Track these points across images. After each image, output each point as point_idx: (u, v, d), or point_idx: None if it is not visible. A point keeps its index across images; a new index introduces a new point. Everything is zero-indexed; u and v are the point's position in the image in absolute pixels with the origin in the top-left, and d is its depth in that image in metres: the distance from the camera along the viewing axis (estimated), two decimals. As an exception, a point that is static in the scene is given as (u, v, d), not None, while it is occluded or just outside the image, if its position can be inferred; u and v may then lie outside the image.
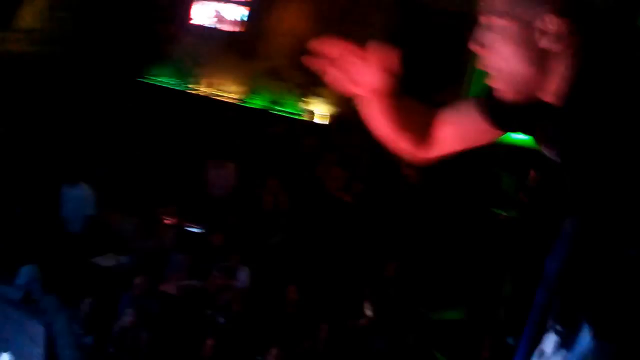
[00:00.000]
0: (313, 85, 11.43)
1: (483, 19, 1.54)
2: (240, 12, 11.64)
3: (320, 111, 11.42)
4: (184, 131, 9.77)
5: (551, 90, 1.52)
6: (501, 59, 1.51)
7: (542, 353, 1.61)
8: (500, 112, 1.69)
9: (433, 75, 11.09)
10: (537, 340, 1.65)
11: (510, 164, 8.82)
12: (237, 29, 11.62)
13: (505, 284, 6.77)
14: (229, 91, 11.48)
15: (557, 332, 1.58)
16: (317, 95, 11.45)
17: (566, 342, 1.55)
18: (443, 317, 7.10)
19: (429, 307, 7.10)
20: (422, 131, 1.85)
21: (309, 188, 8.42)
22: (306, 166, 8.88)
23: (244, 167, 9.15)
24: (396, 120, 1.81)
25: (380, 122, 1.82)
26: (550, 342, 1.60)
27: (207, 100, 11.09)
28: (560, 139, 1.59)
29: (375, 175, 8.74)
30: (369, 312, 6.82)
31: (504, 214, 7.41)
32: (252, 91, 11.44)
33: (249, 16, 11.57)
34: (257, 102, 11.24)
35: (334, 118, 10.72)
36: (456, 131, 1.83)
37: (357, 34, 11.21)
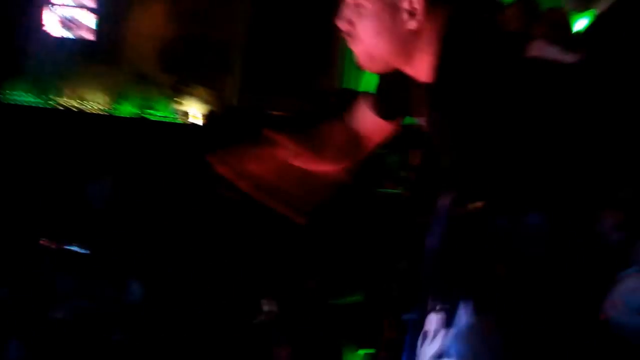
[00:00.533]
0: (183, 85, 11.30)
1: None
2: (95, 18, 11.37)
3: (194, 111, 11.30)
4: (51, 149, 9.41)
5: (422, 69, 1.53)
6: (366, 37, 1.52)
7: (425, 334, 1.58)
8: (384, 103, 1.76)
9: (304, 62, 11.18)
10: (422, 321, 1.62)
11: (392, 142, 8.92)
12: (94, 35, 11.35)
13: (398, 261, 6.86)
14: (94, 101, 11.20)
15: (438, 311, 1.56)
16: (190, 95, 11.32)
17: (447, 321, 1.53)
18: (344, 302, 7.13)
19: (329, 294, 7.11)
20: (340, 151, 1.88)
21: (194, 191, 8.28)
22: (186, 168, 8.71)
23: (122, 178, 8.90)
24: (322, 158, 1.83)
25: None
26: (433, 321, 1.58)
27: (71, 113, 10.78)
28: (431, 117, 1.60)
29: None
30: (267, 307, 6.76)
31: (391, 192, 7.51)
32: (120, 98, 11.20)
33: (107, 20, 11.32)
34: (126, 110, 11.02)
35: (208, 117, 10.60)
36: (363, 135, 1.88)
37: (220, 29, 11.17)
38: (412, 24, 1.49)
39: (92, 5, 11.43)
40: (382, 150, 8.67)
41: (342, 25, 1.56)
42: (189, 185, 8.44)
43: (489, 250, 1.51)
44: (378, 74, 1.63)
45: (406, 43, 1.51)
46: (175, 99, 11.09)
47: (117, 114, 10.97)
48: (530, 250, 1.47)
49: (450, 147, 1.60)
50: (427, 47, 1.51)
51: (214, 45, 11.45)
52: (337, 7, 1.58)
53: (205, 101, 11.35)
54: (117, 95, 11.19)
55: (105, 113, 10.97)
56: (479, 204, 1.55)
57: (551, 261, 1.44)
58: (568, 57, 1.42)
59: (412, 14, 1.48)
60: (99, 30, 11.40)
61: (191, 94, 11.29)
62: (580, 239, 1.43)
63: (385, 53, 1.53)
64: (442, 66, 1.51)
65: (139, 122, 10.67)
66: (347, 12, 1.55)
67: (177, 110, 10.96)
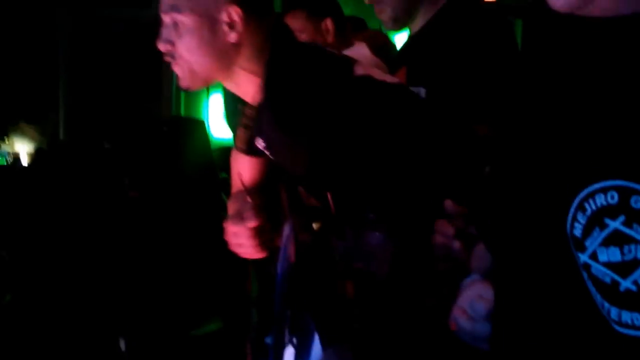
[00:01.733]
0: (10, 123, 10.81)
1: (166, 17, 1.56)
2: None
3: (23, 149, 10.83)
4: None
5: (246, 88, 1.57)
6: (187, 54, 1.55)
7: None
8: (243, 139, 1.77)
9: (132, 91, 10.98)
10: (280, 356, 1.61)
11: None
12: None
13: (252, 283, 6.82)
14: None
15: (293, 345, 1.57)
16: (16, 134, 10.85)
17: (301, 355, 1.53)
18: (203, 332, 7.01)
19: (186, 325, 6.97)
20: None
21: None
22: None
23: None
24: None
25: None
26: (288, 356, 1.58)
27: None
28: (264, 137, 1.63)
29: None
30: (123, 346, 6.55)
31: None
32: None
33: None
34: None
35: (36, 155, 10.20)
36: (247, 175, 1.88)
37: (42, 60, 10.77)
38: (233, 37, 1.52)
39: None
40: (224, 174, 8.66)
41: (162, 46, 1.58)
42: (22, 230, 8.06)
43: (334, 271, 1.53)
44: (197, 90, 1.63)
45: (227, 57, 1.54)
46: (1, 139, 10.60)
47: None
48: (373, 269, 1.50)
49: (287, 167, 1.62)
50: (248, 64, 1.55)
51: (37, 79, 11.06)
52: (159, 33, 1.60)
53: (33, 139, 10.91)
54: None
55: None
56: (318, 225, 1.57)
57: (395, 278, 1.48)
58: (389, 78, 1.47)
59: (231, 26, 1.52)
60: None
61: (18, 133, 10.84)
62: (420, 253, 1.47)
63: (207, 68, 1.55)
64: (269, 87, 1.52)
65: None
66: (166, 32, 1.57)
67: (3, 150, 10.48)
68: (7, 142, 10.71)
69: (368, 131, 1.46)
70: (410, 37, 2.22)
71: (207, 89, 8.18)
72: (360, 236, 1.51)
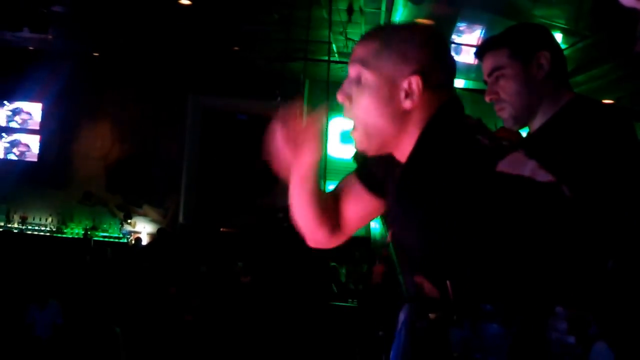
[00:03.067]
0: (131, 204, 11.22)
1: (352, 70, 1.61)
2: (37, 140, 11.36)
3: (144, 230, 11.20)
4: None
5: (405, 153, 1.59)
6: (364, 111, 1.58)
7: None
8: (369, 175, 1.77)
9: (249, 180, 11.27)
10: None
11: (343, 256, 8.98)
12: (38, 157, 11.35)
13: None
14: (42, 223, 11.05)
15: None
16: (139, 214, 11.24)
17: None
18: None
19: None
20: (330, 217, 1.86)
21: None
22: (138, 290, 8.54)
23: (68, 302, 8.67)
24: (316, 205, 1.82)
25: (306, 207, 1.83)
26: None
27: (20, 235, 10.59)
28: (393, 207, 1.65)
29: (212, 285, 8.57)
30: None
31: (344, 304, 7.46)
32: (67, 219, 11.06)
33: (51, 143, 11.33)
34: (74, 231, 10.87)
35: (158, 235, 10.53)
36: (352, 209, 1.85)
37: (167, 149, 11.21)
38: (407, 104, 1.56)
39: (36, 127, 11.44)
40: (334, 263, 8.70)
41: (340, 97, 1.63)
42: (143, 309, 8.26)
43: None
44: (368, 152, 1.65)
45: (398, 122, 1.57)
46: (124, 219, 11.02)
47: (62, 236, 10.82)
48: (491, 359, 1.49)
49: (406, 245, 1.62)
50: (414, 130, 1.58)
51: (161, 165, 11.52)
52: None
53: (153, 220, 11.30)
54: (64, 216, 11.08)
55: (50, 234, 10.82)
56: (437, 314, 1.57)
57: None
58: (541, 176, 1.48)
59: (408, 94, 1.56)
60: (44, 153, 11.40)
61: (139, 213, 11.25)
62: (537, 346, 1.46)
63: (379, 128, 1.58)
64: (412, 158, 1.57)
65: (85, 243, 10.51)
66: (348, 85, 1.62)
67: (127, 230, 10.90)
68: (130, 223, 11.13)
69: (490, 227, 1.47)
70: (529, 135, 2.23)
71: (324, 179, 8.34)
72: (477, 327, 1.51)
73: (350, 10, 7.15)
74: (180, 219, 11.39)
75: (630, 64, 6.19)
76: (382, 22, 7.29)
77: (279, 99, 9.37)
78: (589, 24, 5.77)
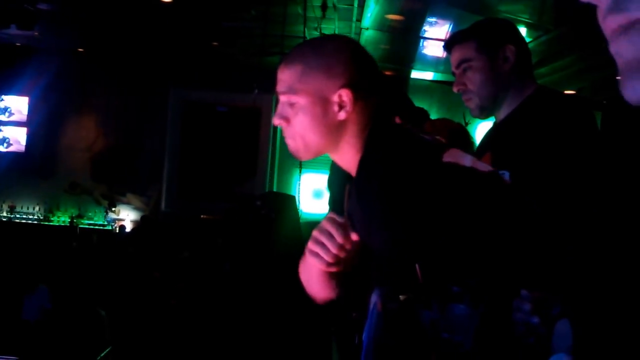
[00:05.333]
0: (115, 193, 11.15)
1: (283, 97, 1.61)
2: (24, 132, 11.28)
3: (128, 218, 11.13)
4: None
5: (348, 160, 1.61)
6: (300, 129, 1.58)
7: None
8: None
9: (230, 168, 11.25)
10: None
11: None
12: (25, 149, 11.25)
13: (333, 354, 6.72)
14: (29, 212, 10.94)
15: None
16: (123, 202, 11.17)
17: None
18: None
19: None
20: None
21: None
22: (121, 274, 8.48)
23: (56, 287, 8.60)
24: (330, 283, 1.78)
25: (319, 286, 1.79)
26: None
27: (8, 224, 10.49)
28: (352, 207, 1.64)
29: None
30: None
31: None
32: (55, 208, 10.96)
33: (38, 135, 11.24)
34: (61, 219, 10.78)
35: (141, 222, 10.47)
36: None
37: (150, 139, 11.15)
38: (342, 115, 1.56)
39: (23, 120, 11.32)
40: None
41: (277, 121, 1.63)
42: (125, 293, 8.20)
43: (421, 341, 1.51)
44: (309, 160, 1.66)
45: (336, 133, 1.58)
46: (109, 207, 10.96)
47: (49, 224, 10.74)
48: (459, 339, 1.48)
49: (369, 243, 1.61)
50: (352, 139, 1.59)
51: (144, 155, 11.45)
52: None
53: (136, 208, 11.24)
54: (51, 205, 10.99)
55: (38, 222, 10.73)
56: (406, 296, 1.57)
57: (480, 350, 1.45)
58: (481, 166, 1.48)
59: (341, 106, 1.56)
60: (31, 144, 11.28)
61: (123, 202, 11.18)
62: (503, 327, 1.45)
63: (317, 143, 1.59)
64: (363, 162, 1.57)
65: (71, 231, 10.44)
66: (282, 109, 1.62)
67: (112, 218, 10.83)
68: (114, 211, 11.06)
69: (452, 215, 1.47)
70: (496, 125, 2.24)
71: (300, 168, 8.33)
72: (445, 307, 1.50)
73: (324, 7, 7.12)
74: (163, 206, 11.34)
75: (591, 57, 6.24)
76: (354, 18, 7.27)
77: (256, 91, 9.34)
78: (552, 18, 5.80)
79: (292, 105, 1.60)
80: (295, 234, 6.46)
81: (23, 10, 8.05)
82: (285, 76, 1.62)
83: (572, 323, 1.18)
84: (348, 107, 1.56)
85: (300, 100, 1.58)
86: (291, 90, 1.59)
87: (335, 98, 1.57)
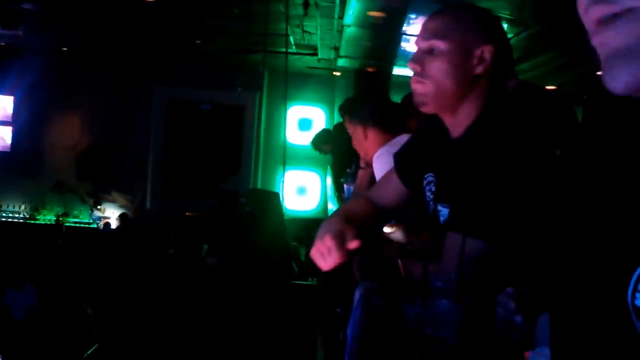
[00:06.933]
0: (103, 192, 11.08)
1: (423, 43, 1.62)
2: (9, 130, 11.17)
3: (113, 216, 11.06)
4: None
5: (461, 121, 1.64)
6: (436, 75, 1.60)
7: None
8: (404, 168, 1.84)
9: (213, 166, 11.20)
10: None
11: (304, 237, 8.95)
12: (11, 147, 11.14)
13: (318, 350, 6.70)
14: (15, 210, 10.85)
15: None
16: (109, 201, 11.10)
17: None
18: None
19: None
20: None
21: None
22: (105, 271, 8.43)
23: (42, 284, 8.53)
24: None
25: None
26: None
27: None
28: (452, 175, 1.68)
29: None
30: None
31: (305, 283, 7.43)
32: (40, 206, 10.88)
33: (23, 134, 11.14)
34: (46, 217, 10.70)
35: (124, 220, 10.41)
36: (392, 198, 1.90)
37: (134, 136, 11.08)
38: (479, 69, 1.59)
39: (8, 119, 11.22)
40: (295, 243, 8.66)
41: (412, 65, 1.63)
42: (110, 289, 8.15)
43: (404, 337, 1.50)
44: (428, 114, 1.69)
45: (468, 86, 1.61)
46: (94, 206, 10.89)
47: (35, 222, 10.66)
48: (442, 335, 1.47)
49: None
50: (478, 99, 1.63)
51: (129, 154, 11.38)
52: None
53: (122, 206, 11.17)
54: (36, 204, 10.90)
55: (24, 221, 10.64)
56: (390, 291, 1.56)
57: (463, 344, 1.45)
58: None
59: (481, 60, 1.59)
60: (16, 143, 11.18)
61: (108, 200, 11.11)
62: (486, 323, 1.45)
63: (449, 91, 1.61)
64: (473, 130, 1.62)
65: (57, 229, 10.36)
66: (419, 55, 1.63)
67: (97, 216, 10.76)
68: (100, 209, 10.99)
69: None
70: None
71: (284, 165, 8.31)
72: (428, 303, 1.49)
73: (306, 5, 7.09)
74: (148, 204, 11.27)
75: (572, 53, 6.26)
76: (336, 15, 7.25)
77: (239, 89, 9.29)
78: (532, 14, 5.81)
79: (432, 51, 1.61)
80: (279, 230, 6.43)
81: (7, 10, 7.97)
82: (434, 24, 1.63)
83: (550, 314, 1.18)
84: (487, 63, 1.59)
85: (444, 45, 1.59)
86: (437, 36, 1.61)
87: (478, 52, 1.59)
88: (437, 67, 1.61)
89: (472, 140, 1.63)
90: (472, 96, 1.63)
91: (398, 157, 1.91)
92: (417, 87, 1.65)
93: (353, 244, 1.64)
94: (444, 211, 1.87)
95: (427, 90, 1.63)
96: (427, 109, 1.66)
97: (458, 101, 1.64)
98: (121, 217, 10.43)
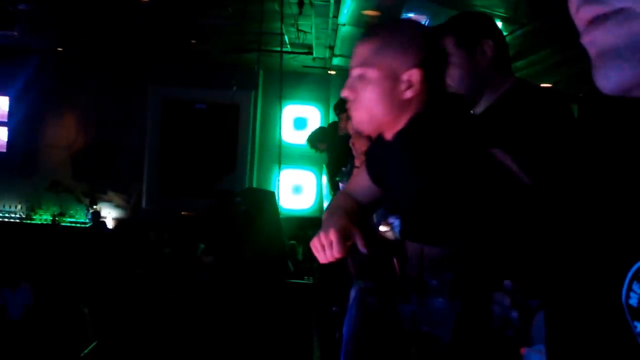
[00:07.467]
0: (99, 192, 11.05)
1: (355, 70, 1.66)
2: (4, 131, 11.15)
3: (109, 215, 11.05)
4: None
5: (395, 130, 1.67)
6: (368, 102, 1.64)
7: None
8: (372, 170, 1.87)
9: (208, 166, 11.19)
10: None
11: (301, 235, 8.93)
12: (6, 148, 11.12)
13: (314, 349, 6.69)
14: (11, 210, 10.83)
15: None
16: (105, 200, 11.08)
17: None
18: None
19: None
20: None
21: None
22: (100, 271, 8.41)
23: (38, 284, 8.51)
24: None
25: None
26: None
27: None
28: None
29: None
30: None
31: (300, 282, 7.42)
32: (37, 206, 10.86)
33: (18, 134, 11.12)
34: (42, 217, 10.68)
35: (121, 220, 10.41)
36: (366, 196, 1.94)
37: (130, 136, 11.07)
38: (408, 94, 1.62)
39: (4, 119, 11.19)
40: (293, 242, 8.65)
41: (346, 93, 1.68)
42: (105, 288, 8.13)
43: (400, 335, 1.50)
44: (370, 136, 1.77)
45: (399, 110, 1.63)
46: (90, 205, 10.86)
47: (31, 222, 10.64)
48: (438, 333, 1.47)
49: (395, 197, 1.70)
50: (408, 111, 1.65)
51: (124, 153, 11.36)
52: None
53: (117, 205, 11.15)
54: (32, 204, 10.88)
55: (20, 221, 10.62)
56: (386, 290, 1.56)
57: (459, 342, 1.44)
58: (525, 178, 1.51)
59: (409, 85, 1.61)
60: (11, 143, 11.16)
61: (104, 200, 11.09)
62: (481, 320, 1.44)
63: (382, 116, 1.64)
64: (410, 134, 1.64)
65: (53, 229, 10.34)
66: (352, 82, 1.67)
67: (93, 215, 10.72)
68: (95, 208, 10.97)
69: (471, 196, 1.52)
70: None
71: (279, 164, 8.30)
72: (424, 301, 1.49)
73: (300, 3, 7.07)
74: (143, 204, 11.25)
75: (567, 50, 6.26)
76: (331, 14, 7.23)
77: (234, 88, 9.28)
78: (527, 12, 5.81)
79: (363, 78, 1.64)
80: (275, 229, 6.42)
81: (3, 10, 7.96)
82: (362, 50, 1.67)
83: (545, 312, 1.17)
84: (416, 86, 1.61)
85: (372, 73, 1.63)
86: (365, 64, 1.64)
87: (405, 77, 1.61)
88: (368, 96, 1.64)
89: (404, 143, 1.66)
90: (405, 116, 1.65)
91: (368, 155, 1.95)
92: (352, 115, 1.71)
93: (360, 242, 1.69)
94: (395, 223, 1.90)
95: (361, 117, 1.68)
96: (365, 133, 1.75)
97: (391, 123, 1.67)
98: (122, 217, 10.44)
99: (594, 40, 0.65)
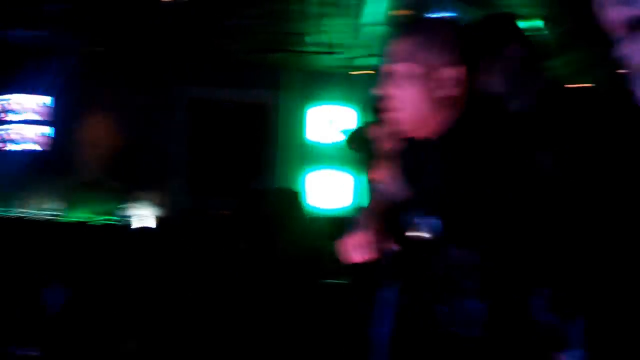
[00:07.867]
0: (134, 191, 11.15)
1: (392, 67, 1.62)
2: (40, 130, 11.26)
3: (144, 215, 11.13)
4: (5, 257, 9.09)
5: (434, 130, 1.62)
6: (408, 100, 1.59)
7: None
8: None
9: (241, 164, 11.22)
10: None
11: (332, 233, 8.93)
12: (41, 146, 11.23)
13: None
14: (45, 209, 10.97)
15: None
16: (139, 200, 11.17)
17: None
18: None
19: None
20: None
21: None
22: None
23: (76, 283, 8.61)
24: None
25: None
26: None
27: (22, 221, 10.50)
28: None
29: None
30: None
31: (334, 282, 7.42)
32: (70, 205, 10.98)
33: (56, 132, 11.23)
34: (76, 216, 10.79)
35: (158, 219, 10.46)
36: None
37: (160, 136, 11.14)
38: (450, 92, 1.59)
39: (42, 118, 11.34)
40: (325, 242, 8.62)
41: (384, 91, 1.64)
42: (141, 289, 8.18)
43: (433, 335, 1.50)
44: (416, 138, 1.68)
45: (439, 108, 1.60)
46: (124, 204, 10.93)
47: (66, 221, 10.73)
48: (472, 334, 1.47)
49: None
50: (451, 115, 1.61)
51: (155, 153, 11.43)
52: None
53: (153, 204, 11.21)
54: (68, 203, 10.98)
55: (56, 220, 10.73)
56: (421, 291, 1.56)
57: (493, 344, 1.44)
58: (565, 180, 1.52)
59: (452, 83, 1.59)
60: (47, 143, 11.29)
61: (140, 199, 11.16)
62: (513, 321, 1.44)
63: (423, 114, 1.60)
64: (457, 131, 1.61)
65: (89, 228, 10.44)
66: (390, 80, 1.63)
67: (128, 215, 10.79)
68: (128, 208, 11.04)
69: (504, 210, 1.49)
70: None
71: (307, 165, 8.28)
72: (458, 302, 1.49)
73: (325, 3, 7.08)
74: (178, 203, 11.33)
75: (602, 51, 6.17)
76: (355, 14, 7.23)
77: (261, 88, 9.31)
78: (557, 12, 5.73)
79: (403, 75, 1.60)
80: (302, 230, 6.43)
81: (38, 12, 8.09)
82: (401, 48, 1.62)
83: (586, 319, 1.17)
84: (458, 85, 1.58)
85: (413, 69, 1.58)
86: (405, 59, 1.60)
87: (447, 74, 1.58)
88: (409, 93, 1.60)
89: (448, 146, 1.62)
90: (444, 115, 1.62)
91: (402, 155, 1.92)
92: (391, 113, 1.65)
93: (393, 243, 1.67)
94: (426, 222, 1.87)
95: (402, 115, 1.64)
96: (402, 132, 1.67)
97: (431, 121, 1.63)
98: (159, 217, 10.52)
99: (630, 54, 0.65)
